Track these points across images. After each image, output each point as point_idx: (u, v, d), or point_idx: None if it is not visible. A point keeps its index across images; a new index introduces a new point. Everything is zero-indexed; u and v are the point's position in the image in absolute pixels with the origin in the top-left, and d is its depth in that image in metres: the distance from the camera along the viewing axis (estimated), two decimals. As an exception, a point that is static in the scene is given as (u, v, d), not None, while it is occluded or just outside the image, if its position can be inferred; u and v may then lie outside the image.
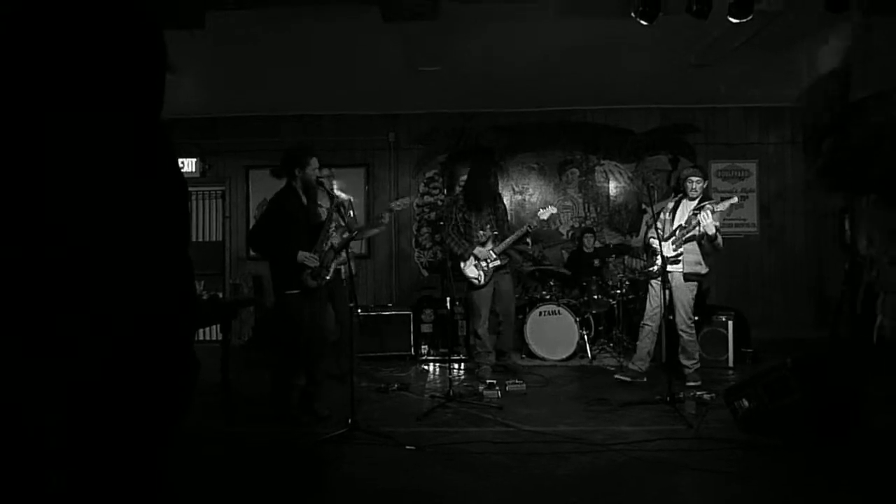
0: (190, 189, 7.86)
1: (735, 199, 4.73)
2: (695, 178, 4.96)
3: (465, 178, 7.68)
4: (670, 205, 5.09)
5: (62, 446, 0.91)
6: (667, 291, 4.80)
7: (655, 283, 4.96)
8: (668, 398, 4.19)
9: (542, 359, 6.09)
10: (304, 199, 4.17)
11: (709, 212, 4.68)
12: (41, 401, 0.90)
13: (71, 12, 0.89)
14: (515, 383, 4.95)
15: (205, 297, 4.49)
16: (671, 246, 4.86)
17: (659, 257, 4.83)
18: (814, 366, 3.56)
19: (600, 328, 6.59)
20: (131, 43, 0.96)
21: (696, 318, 5.19)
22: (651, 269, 5.03)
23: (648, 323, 5.05)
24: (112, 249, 0.91)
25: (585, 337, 6.24)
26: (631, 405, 4.33)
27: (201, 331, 7.10)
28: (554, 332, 6.10)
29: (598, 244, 7.22)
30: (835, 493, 2.86)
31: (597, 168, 7.83)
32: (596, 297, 6.39)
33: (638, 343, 5.12)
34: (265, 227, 4.09)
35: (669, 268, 4.83)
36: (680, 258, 4.86)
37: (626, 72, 6.29)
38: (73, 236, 0.89)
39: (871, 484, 2.95)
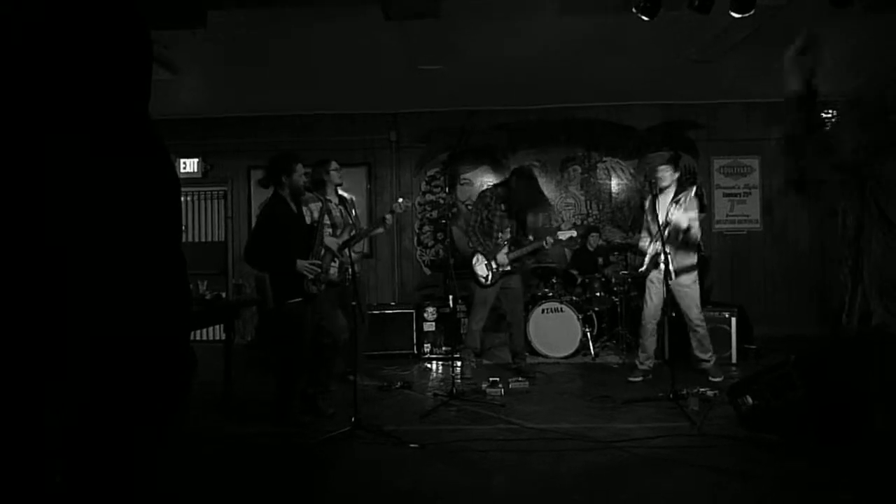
0: (192, 189, 7.89)
1: (693, 192, 4.83)
2: (660, 170, 4.99)
3: (468, 178, 7.73)
4: (647, 204, 5.11)
5: (62, 445, 0.91)
6: (665, 288, 4.80)
7: (657, 281, 4.94)
8: (671, 395, 4.18)
9: (545, 356, 6.09)
10: (294, 207, 4.16)
11: (681, 206, 4.77)
12: (41, 401, 0.90)
13: (61, 11, 0.89)
14: (518, 381, 4.95)
15: (208, 297, 4.51)
16: (657, 246, 4.83)
17: (647, 258, 4.98)
18: (817, 363, 3.55)
19: (603, 325, 6.58)
20: (119, 40, 0.96)
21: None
22: (640, 269, 5.11)
23: (652, 322, 5.04)
24: (109, 249, 0.91)
25: (588, 334, 6.23)
26: (634, 402, 4.32)
27: (204, 330, 7.13)
28: (557, 330, 6.10)
29: (601, 242, 7.21)
30: (837, 490, 2.86)
31: (599, 165, 7.82)
32: (598, 294, 6.38)
33: (644, 342, 5.11)
34: (260, 241, 4.05)
35: (659, 270, 4.85)
36: (661, 258, 4.81)
37: (627, 68, 6.27)
38: (72, 236, 0.89)
39: (873, 482, 2.95)
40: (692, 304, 4.91)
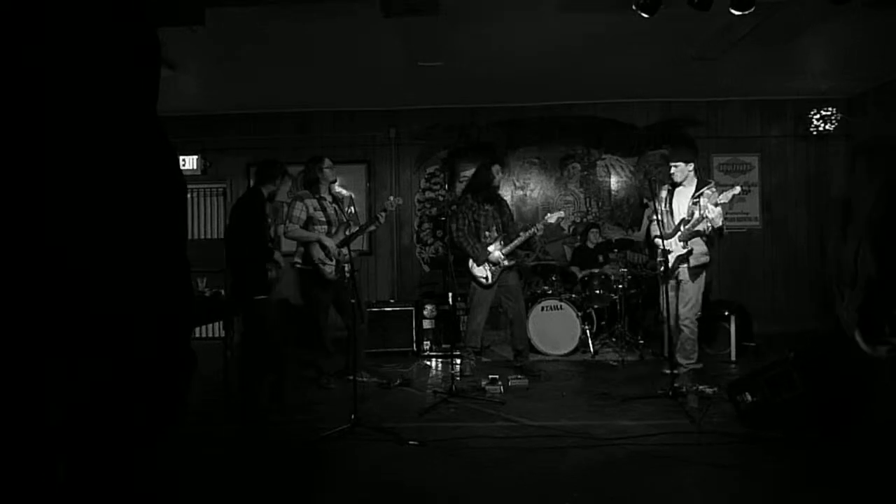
0: (191, 187, 7.88)
1: (737, 190, 4.48)
2: (672, 166, 4.82)
3: (467, 175, 7.72)
4: (663, 194, 4.93)
5: (63, 444, 0.91)
6: (674, 288, 4.71)
7: (663, 284, 4.83)
8: (670, 392, 4.19)
9: (545, 354, 6.09)
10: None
11: (712, 204, 4.44)
12: (42, 400, 0.90)
13: (67, 9, 0.89)
14: (518, 378, 4.96)
15: (207, 295, 4.50)
16: (679, 243, 4.69)
17: (670, 256, 4.71)
18: (816, 360, 3.56)
19: (602, 323, 6.58)
20: (127, 39, 0.96)
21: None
22: (661, 269, 4.81)
23: (671, 321, 4.77)
24: (111, 248, 0.91)
25: (588, 332, 6.23)
26: (633, 400, 4.33)
27: (202, 328, 7.12)
28: (556, 328, 6.10)
29: (601, 239, 7.21)
30: (837, 487, 2.86)
31: (598, 162, 7.82)
32: (598, 291, 6.38)
33: (683, 344, 4.85)
34: (259, 231, 4.36)
35: (680, 264, 4.69)
36: (690, 254, 4.66)
37: (627, 65, 6.27)
38: (74, 236, 0.89)
39: (872, 478, 2.95)
40: (693, 301, 4.71)
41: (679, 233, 4.70)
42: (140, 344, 0.94)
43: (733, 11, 4.20)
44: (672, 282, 4.80)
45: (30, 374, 0.88)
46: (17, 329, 0.86)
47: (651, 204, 4.95)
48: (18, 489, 0.88)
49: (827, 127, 7.18)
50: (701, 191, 4.67)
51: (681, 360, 4.77)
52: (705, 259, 4.74)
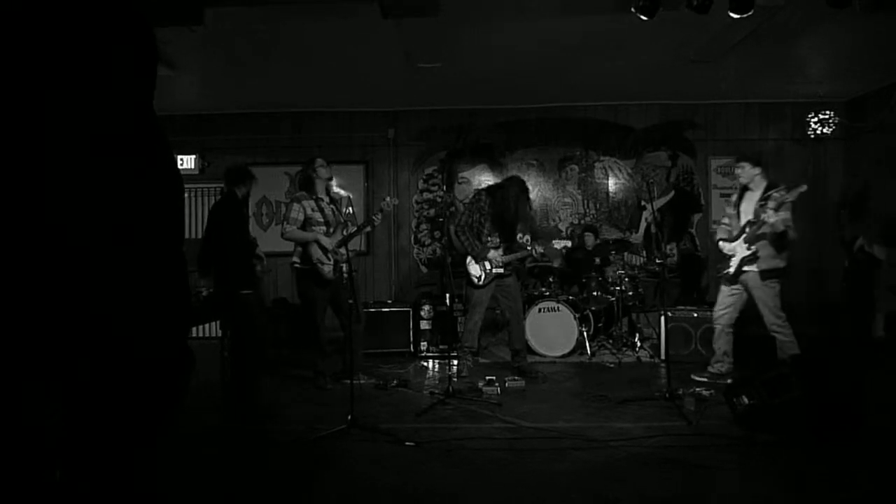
0: (189, 186, 7.88)
1: (803, 188, 4.33)
2: (737, 167, 4.81)
3: (465, 176, 7.72)
4: (734, 198, 4.90)
5: (61, 444, 0.91)
6: (739, 292, 4.74)
7: (724, 286, 4.86)
8: (667, 395, 4.19)
9: (542, 355, 6.09)
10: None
11: (773, 209, 4.40)
12: (40, 400, 0.90)
13: (65, 9, 0.89)
14: (515, 380, 4.96)
15: (205, 294, 4.50)
16: (744, 245, 4.67)
17: (734, 259, 4.74)
18: (813, 363, 3.57)
19: (599, 325, 6.59)
20: (124, 37, 0.96)
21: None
22: (726, 271, 4.83)
23: (717, 324, 4.91)
24: (110, 248, 0.91)
25: (585, 333, 6.24)
26: (630, 402, 4.33)
27: (200, 328, 7.11)
28: (553, 329, 6.10)
29: (597, 241, 7.21)
30: (833, 490, 2.87)
31: (596, 164, 7.83)
32: (595, 293, 6.39)
33: (713, 345, 4.99)
34: (236, 231, 4.47)
35: (745, 267, 4.67)
36: (757, 256, 4.60)
37: (626, 68, 6.28)
38: (72, 235, 0.89)
39: (869, 481, 2.96)
40: (767, 308, 4.60)
41: (745, 235, 4.67)
42: (138, 343, 0.93)
43: (732, 14, 4.22)
44: (733, 287, 4.80)
45: (29, 374, 0.88)
46: (16, 328, 0.86)
47: (649, 206, 4.95)
48: (17, 490, 0.88)
49: (825, 130, 7.18)
50: (769, 193, 4.58)
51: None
52: (777, 263, 4.62)
